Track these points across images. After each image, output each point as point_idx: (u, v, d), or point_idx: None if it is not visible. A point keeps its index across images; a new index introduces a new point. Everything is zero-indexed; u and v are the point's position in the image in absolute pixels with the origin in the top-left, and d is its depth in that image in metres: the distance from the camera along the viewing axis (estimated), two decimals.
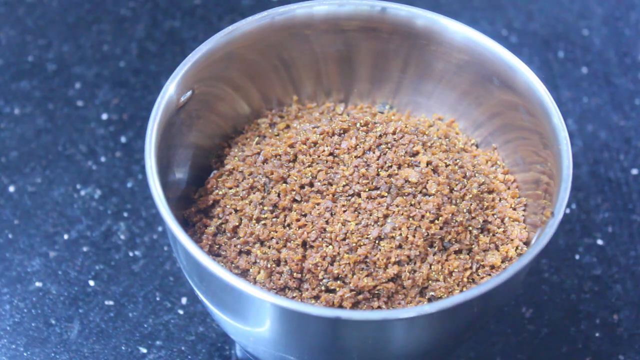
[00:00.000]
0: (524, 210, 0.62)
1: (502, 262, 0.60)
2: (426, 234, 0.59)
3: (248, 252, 0.60)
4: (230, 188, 0.62)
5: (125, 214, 0.79)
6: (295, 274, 0.59)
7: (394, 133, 0.62)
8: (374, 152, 0.61)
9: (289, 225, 0.60)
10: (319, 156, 0.62)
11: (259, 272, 0.60)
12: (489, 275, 0.60)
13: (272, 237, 0.60)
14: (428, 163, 0.62)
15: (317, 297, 0.58)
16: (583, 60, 0.93)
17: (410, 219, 0.59)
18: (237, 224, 0.61)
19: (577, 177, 0.83)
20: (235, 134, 0.67)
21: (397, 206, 0.60)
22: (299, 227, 0.60)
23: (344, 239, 0.59)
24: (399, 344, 0.55)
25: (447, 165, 0.62)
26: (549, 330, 0.74)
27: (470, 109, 0.67)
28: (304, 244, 0.59)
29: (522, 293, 0.76)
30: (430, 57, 0.66)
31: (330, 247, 0.59)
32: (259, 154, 0.63)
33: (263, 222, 0.60)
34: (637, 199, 0.82)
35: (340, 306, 0.58)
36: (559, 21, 0.97)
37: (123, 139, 0.84)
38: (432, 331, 0.55)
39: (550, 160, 0.59)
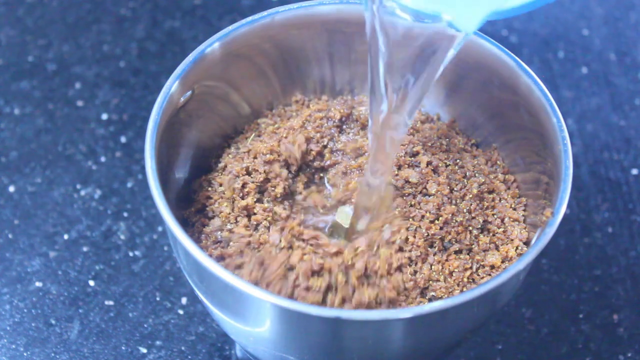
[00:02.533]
0: (524, 210, 0.62)
1: (502, 262, 0.60)
2: (426, 234, 0.59)
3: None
4: (221, 185, 0.62)
5: (125, 214, 0.79)
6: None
7: None
8: None
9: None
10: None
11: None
12: (489, 275, 0.60)
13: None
14: (428, 163, 0.62)
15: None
16: (583, 60, 0.93)
17: (410, 219, 0.59)
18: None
19: (577, 177, 0.83)
20: (235, 134, 0.67)
21: (397, 207, 0.60)
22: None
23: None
24: (399, 344, 0.55)
25: (447, 166, 0.62)
26: (549, 330, 0.74)
27: (470, 109, 0.67)
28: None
29: (522, 293, 0.76)
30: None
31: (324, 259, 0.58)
32: (250, 151, 0.63)
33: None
34: (637, 199, 0.82)
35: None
36: (559, 21, 0.97)
37: (123, 139, 0.84)
38: (432, 331, 0.55)
39: (550, 160, 0.59)
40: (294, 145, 0.62)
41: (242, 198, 0.61)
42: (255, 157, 0.62)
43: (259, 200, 0.62)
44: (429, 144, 0.64)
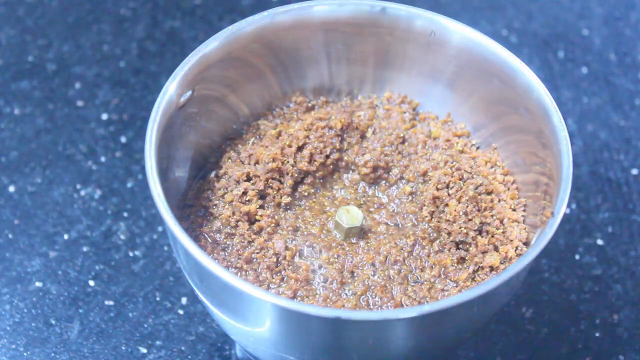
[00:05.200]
0: (524, 211, 0.62)
1: (502, 262, 0.60)
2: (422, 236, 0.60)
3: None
4: (219, 189, 0.62)
5: (125, 214, 0.79)
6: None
7: None
8: None
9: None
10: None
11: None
12: (488, 276, 0.60)
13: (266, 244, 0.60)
14: (424, 171, 0.62)
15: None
16: (583, 60, 0.93)
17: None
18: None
19: (577, 177, 0.83)
20: (234, 135, 0.67)
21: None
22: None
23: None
24: (399, 344, 0.55)
25: (441, 168, 0.63)
26: (549, 330, 0.74)
27: (471, 110, 0.67)
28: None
29: (522, 293, 0.76)
30: (430, 57, 0.66)
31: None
32: (251, 155, 0.63)
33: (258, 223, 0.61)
34: (637, 199, 0.82)
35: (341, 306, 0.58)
36: (559, 21, 0.97)
37: (123, 139, 0.84)
38: (432, 331, 0.55)
39: (549, 161, 0.59)
40: (300, 159, 0.63)
41: (244, 203, 0.61)
42: (257, 163, 0.62)
43: (261, 207, 0.62)
44: (427, 146, 0.64)
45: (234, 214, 0.61)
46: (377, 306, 0.58)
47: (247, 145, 0.65)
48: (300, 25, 0.65)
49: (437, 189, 0.61)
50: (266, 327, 0.55)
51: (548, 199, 0.59)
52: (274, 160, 0.62)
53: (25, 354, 0.72)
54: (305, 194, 0.63)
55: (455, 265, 0.60)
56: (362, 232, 0.62)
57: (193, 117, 0.63)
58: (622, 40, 0.95)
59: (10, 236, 0.78)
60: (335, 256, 0.60)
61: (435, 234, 0.61)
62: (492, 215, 0.61)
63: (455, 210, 0.60)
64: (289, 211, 0.63)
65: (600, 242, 0.80)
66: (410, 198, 0.64)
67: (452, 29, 0.64)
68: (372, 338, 0.54)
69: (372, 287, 0.59)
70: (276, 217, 0.62)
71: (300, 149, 0.63)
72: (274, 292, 0.58)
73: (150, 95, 0.88)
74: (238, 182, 0.62)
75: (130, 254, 0.77)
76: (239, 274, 0.59)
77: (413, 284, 0.59)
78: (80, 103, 0.87)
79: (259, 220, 0.61)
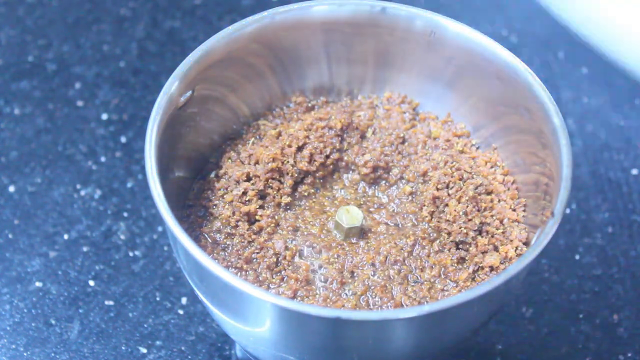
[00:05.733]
0: (524, 211, 0.62)
1: (502, 262, 0.60)
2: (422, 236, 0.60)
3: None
4: (219, 189, 0.62)
5: (125, 214, 0.79)
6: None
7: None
8: None
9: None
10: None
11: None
12: (488, 276, 0.60)
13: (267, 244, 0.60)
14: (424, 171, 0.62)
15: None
16: (583, 60, 0.93)
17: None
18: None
19: (577, 177, 0.83)
20: (234, 135, 0.67)
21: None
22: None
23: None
24: (399, 344, 0.55)
25: (441, 168, 0.63)
26: (549, 330, 0.74)
27: (471, 110, 0.67)
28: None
29: (522, 293, 0.76)
30: (430, 57, 0.66)
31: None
32: (251, 155, 0.63)
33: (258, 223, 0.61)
34: (637, 199, 0.82)
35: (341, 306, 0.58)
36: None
37: (123, 139, 0.84)
38: (432, 331, 0.55)
39: (549, 161, 0.59)
40: (300, 159, 0.63)
41: (244, 203, 0.61)
42: (257, 163, 0.63)
43: (261, 207, 0.62)
44: (427, 146, 0.64)
45: (234, 214, 0.61)
46: (377, 306, 0.58)
47: (247, 145, 0.65)
48: (300, 25, 0.65)
49: (437, 189, 0.61)
50: (266, 327, 0.55)
51: (548, 199, 0.59)
52: (274, 160, 0.62)
53: (25, 354, 0.72)
54: (305, 194, 0.64)
55: (455, 265, 0.60)
56: (362, 232, 0.62)
57: (193, 117, 0.63)
58: None
59: (10, 236, 0.78)
60: (335, 256, 0.60)
61: (435, 234, 0.61)
62: (492, 215, 0.61)
63: (455, 210, 0.60)
64: (289, 211, 0.63)
65: (600, 242, 0.80)
66: (410, 198, 0.64)
67: (452, 29, 0.64)
68: (372, 338, 0.54)
69: (372, 287, 0.59)
70: (276, 217, 0.62)
71: (300, 149, 0.63)
72: (274, 292, 0.58)
73: (150, 95, 0.88)
74: (238, 182, 0.62)
75: (130, 254, 0.77)
76: (239, 274, 0.59)
77: (413, 284, 0.59)
78: (80, 103, 0.87)
79: (259, 220, 0.61)
